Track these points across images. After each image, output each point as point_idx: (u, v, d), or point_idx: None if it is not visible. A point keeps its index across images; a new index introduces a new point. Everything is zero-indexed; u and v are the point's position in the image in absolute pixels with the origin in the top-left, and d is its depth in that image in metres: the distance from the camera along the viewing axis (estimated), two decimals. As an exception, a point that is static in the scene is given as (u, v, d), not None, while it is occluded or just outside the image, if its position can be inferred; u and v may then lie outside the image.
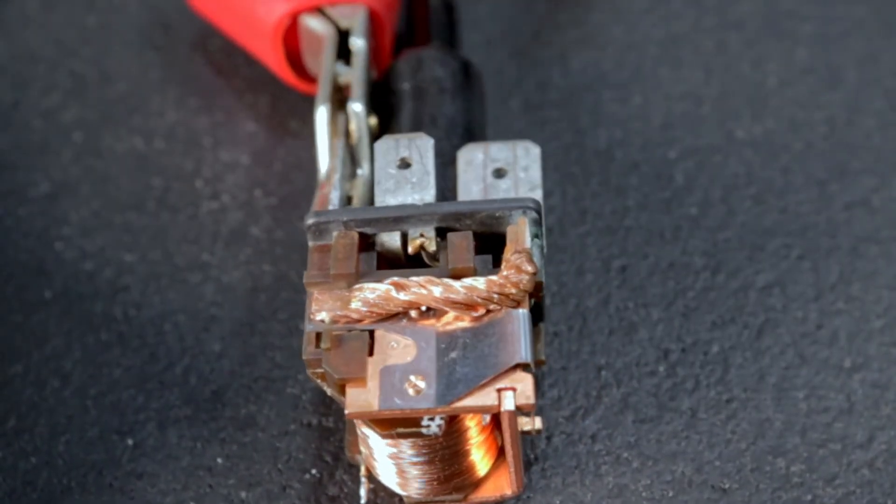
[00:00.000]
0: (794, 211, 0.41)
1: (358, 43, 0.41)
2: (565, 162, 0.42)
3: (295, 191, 0.42)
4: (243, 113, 0.44)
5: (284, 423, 0.38)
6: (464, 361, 0.33)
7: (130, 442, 0.38)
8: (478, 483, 0.35)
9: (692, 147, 0.43)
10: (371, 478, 0.36)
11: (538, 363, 0.36)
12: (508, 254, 0.34)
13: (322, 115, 0.39)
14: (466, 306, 0.34)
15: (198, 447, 0.38)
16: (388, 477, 0.35)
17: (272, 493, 0.37)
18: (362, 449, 0.35)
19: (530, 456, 0.37)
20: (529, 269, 0.34)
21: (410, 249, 0.35)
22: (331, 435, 0.38)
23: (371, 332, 0.34)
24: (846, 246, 0.40)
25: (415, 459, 0.34)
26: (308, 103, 0.43)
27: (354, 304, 0.34)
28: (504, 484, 0.35)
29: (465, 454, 0.35)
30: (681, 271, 0.40)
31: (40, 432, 0.38)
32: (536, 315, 0.35)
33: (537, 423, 0.35)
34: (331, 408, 0.38)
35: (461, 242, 0.35)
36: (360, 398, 0.33)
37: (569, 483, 0.37)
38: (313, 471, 0.37)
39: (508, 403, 0.32)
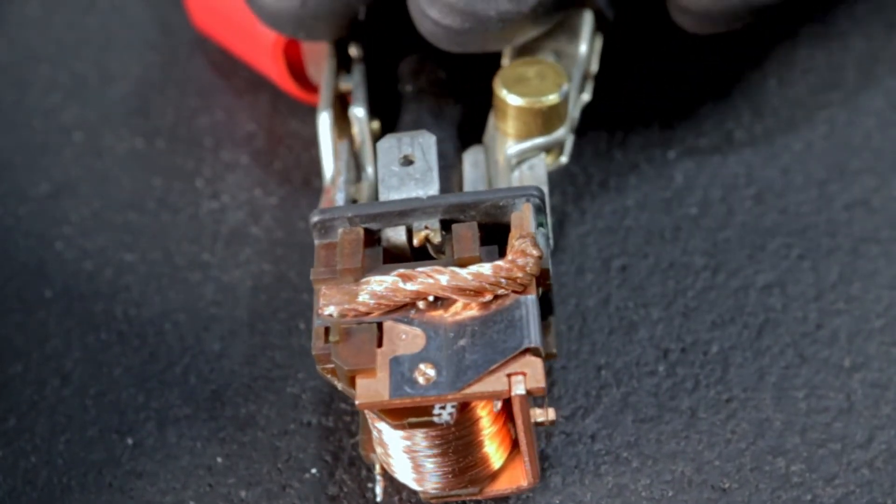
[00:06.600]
0: (794, 211, 0.41)
1: (357, 49, 0.41)
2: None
3: (295, 190, 0.42)
4: (243, 113, 0.44)
5: (284, 422, 0.38)
6: (473, 348, 0.33)
7: (130, 441, 0.38)
8: (493, 476, 0.35)
9: (692, 147, 0.43)
10: (387, 475, 0.36)
11: (549, 356, 0.35)
12: (513, 239, 0.34)
13: (325, 120, 0.39)
14: (474, 293, 0.34)
15: (197, 446, 0.38)
16: (404, 473, 0.35)
17: (272, 492, 0.37)
18: (377, 447, 0.35)
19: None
20: (535, 252, 0.34)
21: (416, 242, 0.35)
22: (330, 434, 0.38)
23: (380, 325, 0.34)
24: (846, 246, 0.40)
25: (429, 452, 0.34)
26: (308, 103, 0.43)
27: (362, 298, 0.34)
28: (520, 476, 0.35)
29: (479, 445, 0.34)
30: (681, 271, 0.40)
31: (40, 431, 0.38)
32: (546, 308, 0.35)
33: (551, 414, 0.35)
34: (330, 407, 0.38)
35: (466, 233, 0.35)
36: (371, 388, 0.33)
37: (568, 483, 0.37)
38: (313, 470, 0.37)
39: (518, 388, 0.32)
